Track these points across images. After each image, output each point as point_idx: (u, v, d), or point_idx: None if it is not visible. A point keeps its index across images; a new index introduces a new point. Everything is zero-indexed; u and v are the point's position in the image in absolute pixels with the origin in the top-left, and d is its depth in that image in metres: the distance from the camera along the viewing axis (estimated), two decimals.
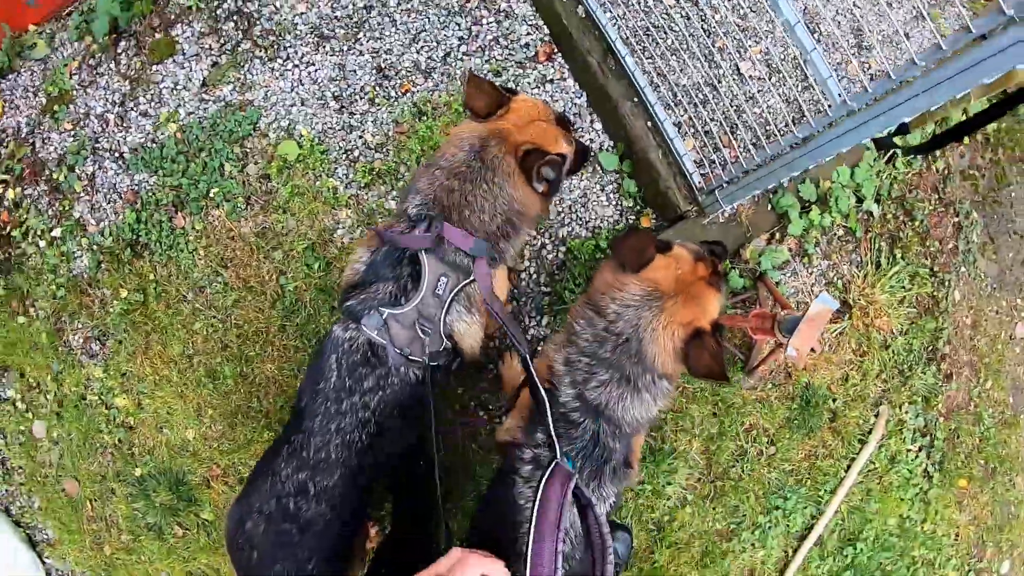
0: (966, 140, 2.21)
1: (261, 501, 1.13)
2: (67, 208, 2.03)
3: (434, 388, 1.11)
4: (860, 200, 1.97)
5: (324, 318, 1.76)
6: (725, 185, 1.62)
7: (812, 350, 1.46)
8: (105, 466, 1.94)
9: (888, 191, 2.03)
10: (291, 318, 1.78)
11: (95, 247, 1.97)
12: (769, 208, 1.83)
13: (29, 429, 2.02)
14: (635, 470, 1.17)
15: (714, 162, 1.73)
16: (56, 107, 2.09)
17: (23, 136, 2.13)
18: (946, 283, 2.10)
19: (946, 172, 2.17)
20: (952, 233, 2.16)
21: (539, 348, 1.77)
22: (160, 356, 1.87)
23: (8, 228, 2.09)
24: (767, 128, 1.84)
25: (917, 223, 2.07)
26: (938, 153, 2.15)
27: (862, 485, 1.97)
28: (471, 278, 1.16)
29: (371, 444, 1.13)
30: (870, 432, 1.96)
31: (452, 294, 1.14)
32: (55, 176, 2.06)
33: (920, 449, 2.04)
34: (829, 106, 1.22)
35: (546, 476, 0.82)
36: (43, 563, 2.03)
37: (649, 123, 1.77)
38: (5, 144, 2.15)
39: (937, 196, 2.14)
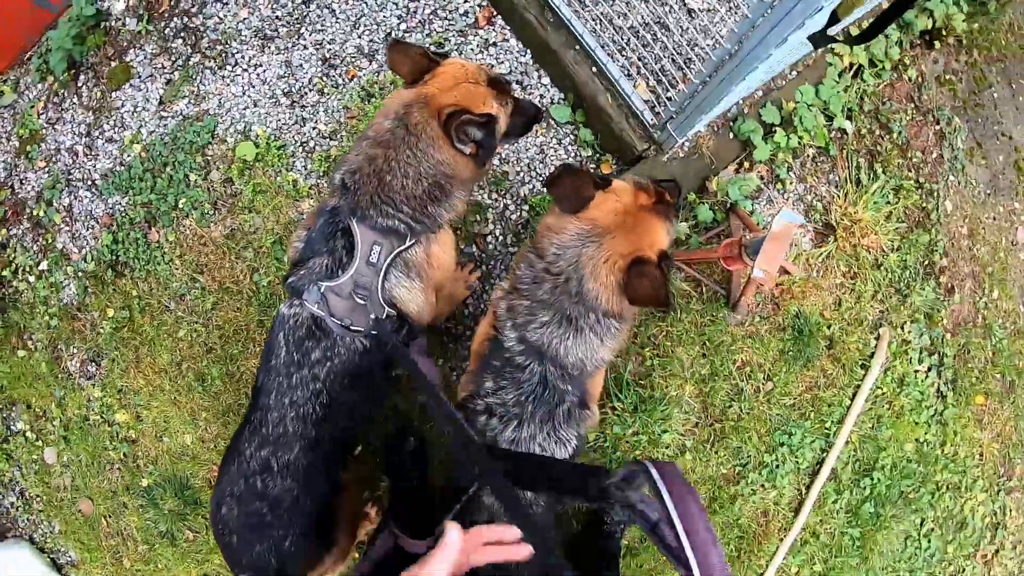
0: (937, 44, 2.08)
1: (232, 484, 1.10)
2: (50, 241, 2.05)
3: (381, 356, 1.07)
4: (830, 118, 1.86)
5: None
6: (675, 116, 1.54)
7: (786, 272, 1.36)
8: (114, 481, 1.95)
9: (859, 105, 1.91)
10: (268, 312, 1.76)
11: (80, 273, 1.99)
12: (731, 136, 1.75)
13: (41, 457, 2.05)
14: (592, 411, 1.11)
15: (670, 99, 1.65)
16: (28, 147, 2.13)
17: (2, 180, 2.17)
18: (935, 193, 1.97)
19: (920, 80, 2.04)
20: (934, 142, 2.03)
21: None
22: (151, 367, 1.87)
23: None
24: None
25: (895, 135, 1.95)
26: (908, 61, 2.03)
27: (871, 412, 1.86)
28: (407, 243, 1.12)
29: (325, 415, 1.11)
30: (872, 356, 1.85)
31: (387, 261, 1.10)
32: (35, 213, 2.09)
33: (929, 369, 1.91)
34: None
35: (659, 478, 0.69)
36: None
37: (594, 68, 1.70)
38: None
39: (914, 105, 2.02)
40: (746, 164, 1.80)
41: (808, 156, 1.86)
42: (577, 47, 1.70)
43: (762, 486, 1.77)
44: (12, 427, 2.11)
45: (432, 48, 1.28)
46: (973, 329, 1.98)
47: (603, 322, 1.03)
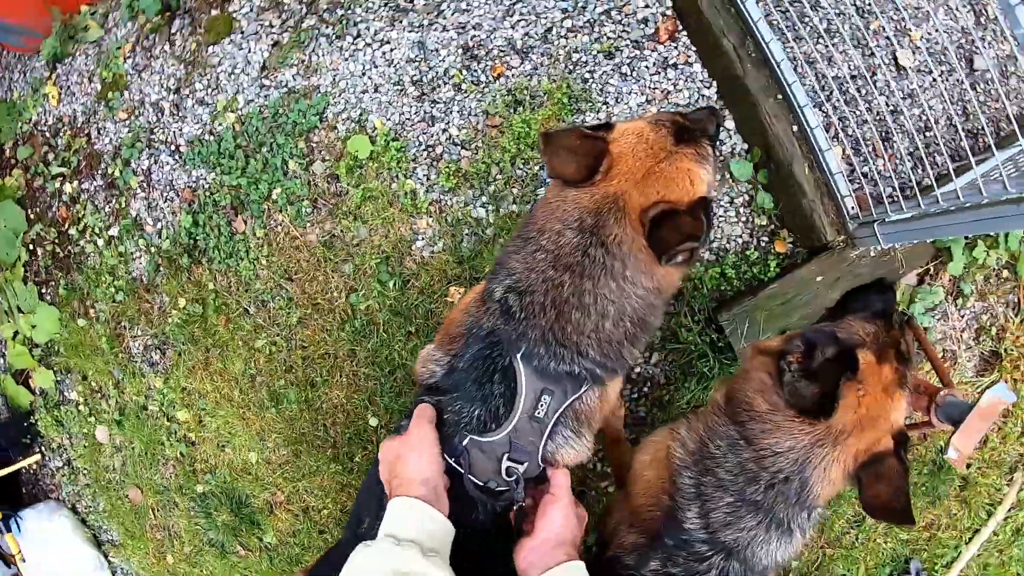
0: None
1: None
2: (124, 206, 1.58)
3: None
4: None
5: (399, 345, 1.28)
6: (890, 221, 1.05)
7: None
8: (168, 478, 1.55)
9: None
10: (362, 342, 1.31)
11: (152, 248, 1.52)
12: (928, 240, 1.25)
13: (92, 432, 1.64)
14: None
15: (867, 176, 1.15)
16: (110, 94, 1.61)
17: (79, 126, 1.67)
18: None
19: None
20: None
21: (645, 393, 1.26)
22: (220, 374, 1.43)
23: (66, 225, 1.65)
24: (947, 140, 1.23)
25: None
26: None
27: (980, 559, 1.45)
28: (581, 390, 0.75)
29: None
30: (1000, 503, 1.43)
31: (556, 416, 0.74)
32: (111, 171, 1.60)
33: None
34: None
35: None
36: (108, 562, 1.69)
37: (795, 127, 1.18)
38: (62, 134, 1.69)
39: None
40: (931, 271, 1.31)
41: (993, 270, 1.37)
42: (779, 96, 1.18)
43: None
44: (66, 394, 1.69)
45: (585, 125, 0.83)
46: None
47: (812, 515, 0.79)
